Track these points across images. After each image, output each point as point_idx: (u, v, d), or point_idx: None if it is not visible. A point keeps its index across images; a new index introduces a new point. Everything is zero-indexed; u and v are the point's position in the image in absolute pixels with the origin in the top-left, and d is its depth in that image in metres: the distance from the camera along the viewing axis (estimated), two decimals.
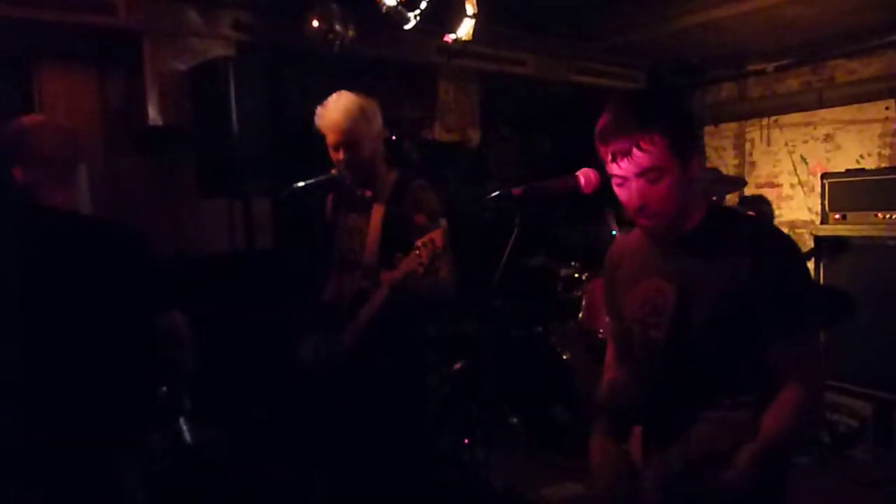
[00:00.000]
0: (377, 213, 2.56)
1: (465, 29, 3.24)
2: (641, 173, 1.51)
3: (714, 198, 4.31)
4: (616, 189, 1.59)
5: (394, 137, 4.09)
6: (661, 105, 1.56)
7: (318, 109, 2.51)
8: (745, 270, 1.49)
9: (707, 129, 5.84)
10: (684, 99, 1.63)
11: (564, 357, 4.15)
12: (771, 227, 1.63)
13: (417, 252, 2.24)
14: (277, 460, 3.51)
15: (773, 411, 1.49)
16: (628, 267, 1.77)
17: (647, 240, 1.72)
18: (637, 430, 1.67)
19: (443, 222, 2.37)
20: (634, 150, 1.49)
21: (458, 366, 4.05)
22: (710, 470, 1.45)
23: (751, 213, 4.54)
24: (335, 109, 2.48)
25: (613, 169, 1.55)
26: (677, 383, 1.57)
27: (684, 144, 1.53)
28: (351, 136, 2.47)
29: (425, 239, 2.25)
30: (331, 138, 2.50)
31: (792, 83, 5.32)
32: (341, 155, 2.49)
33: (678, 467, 1.51)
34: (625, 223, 4.41)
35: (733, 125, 5.74)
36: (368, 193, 2.61)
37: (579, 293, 4.54)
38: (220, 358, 3.83)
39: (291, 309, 3.13)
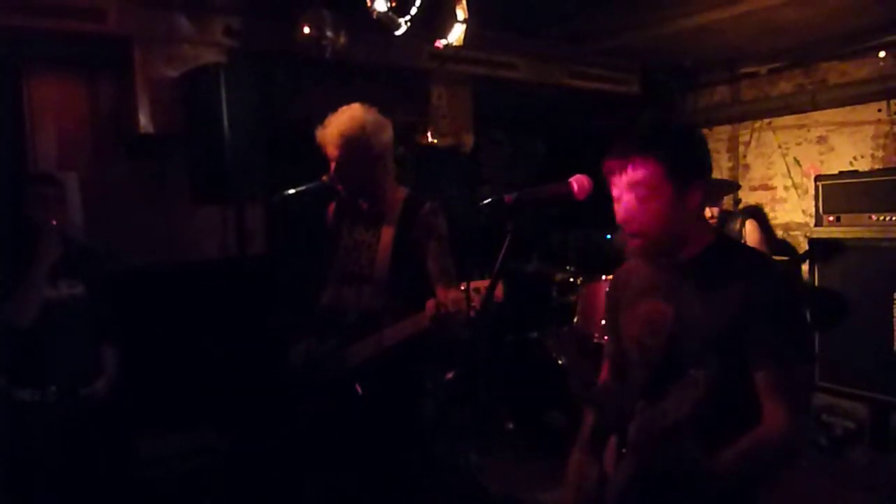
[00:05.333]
0: (387, 233, 2.55)
1: (457, 34, 3.23)
2: (631, 188, 1.57)
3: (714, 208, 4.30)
4: (615, 208, 1.64)
5: None
6: (665, 133, 1.63)
7: (326, 119, 2.51)
8: (737, 302, 1.53)
9: (709, 152, 5.83)
10: (696, 133, 1.68)
11: (560, 362, 4.14)
12: (765, 259, 1.67)
13: (468, 295, 2.21)
14: (271, 465, 3.49)
15: (754, 436, 1.50)
16: (632, 288, 1.80)
17: (650, 263, 1.75)
18: (612, 440, 1.68)
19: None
20: (628, 167, 1.57)
21: (449, 375, 4.03)
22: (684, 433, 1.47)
23: (752, 220, 4.53)
24: (336, 124, 2.48)
25: (612, 189, 1.63)
26: (663, 395, 1.57)
27: (684, 173, 1.58)
28: (344, 154, 2.47)
29: (478, 285, 2.21)
30: (327, 151, 2.52)
31: (785, 86, 5.33)
32: (333, 168, 2.49)
33: (651, 451, 1.52)
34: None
35: (727, 128, 5.74)
36: (375, 211, 2.60)
37: (574, 298, 4.53)
38: (214, 363, 3.82)
39: (285, 312, 3.12)
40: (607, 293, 1.96)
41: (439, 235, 2.53)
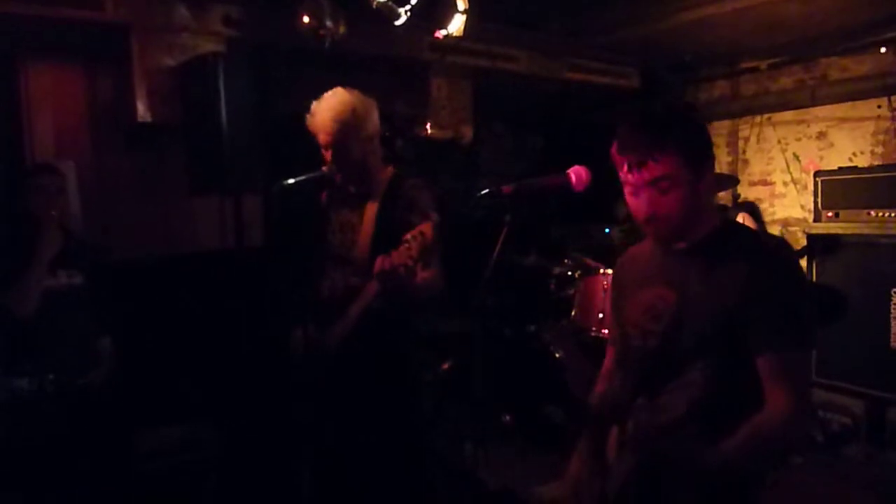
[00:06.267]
0: (371, 210, 2.54)
1: (457, 25, 3.21)
2: (653, 182, 1.57)
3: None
4: (629, 198, 1.64)
5: (386, 134, 4.07)
6: (677, 122, 1.62)
7: (312, 107, 2.49)
8: (740, 286, 1.53)
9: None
10: (698, 118, 1.71)
11: (557, 355, 4.14)
12: (769, 243, 1.66)
13: (407, 245, 2.22)
14: (268, 458, 3.49)
15: (756, 421, 1.51)
16: (635, 274, 1.81)
17: (655, 249, 1.76)
18: (613, 431, 1.68)
19: (433, 216, 2.35)
20: (649, 161, 1.56)
21: (445, 366, 4.03)
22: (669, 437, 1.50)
23: (744, 214, 4.53)
24: (326, 109, 2.46)
25: (627, 178, 1.61)
26: (662, 388, 1.57)
27: (698, 160, 1.59)
28: (340, 138, 2.45)
29: (415, 232, 2.23)
30: (320, 139, 2.49)
31: (785, 81, 5.32)
32: (330, 155, 2.47)
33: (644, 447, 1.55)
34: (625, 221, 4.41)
35: (726, 123, 5.73)
36: (362, 191, 2.59)
37: (572, 291, 4.52)
38: (210, 355, 3.81)
39: (283, 305, 3.11)
40: (612, 279, 1.96)
41: (423, 211, 2.49)
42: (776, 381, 1.50)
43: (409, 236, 2.22)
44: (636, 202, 1.62)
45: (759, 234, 1.84)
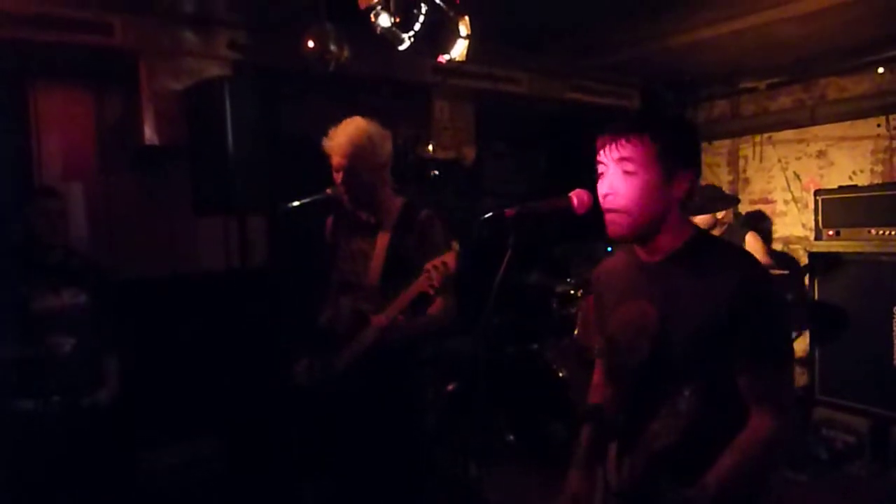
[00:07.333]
0: (383, 239, 2.60)
1: (459, 49, 3.25)
2: (619, 161, 1.57)
3: (716, 215, 4.32)
4: (598, 181, 1.64)
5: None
6: (663, 118, 1.64)
7: (330, 131, 2.58)
8: (722, 300, 1.51)
9: (701, 146, 5.88)
10: (690, 128, 1.69)
11: (560, 374, 4.14)
12: (748, 257, 1.65)
13: (428, 275, 2.30)
14: (274, 478, 3.49)
15: (740, 441, 1.51)
16: (614, 287, 1.79)
17: (630, 261, 1.74)
18: (612, 446, 1.69)
19: (455, 245, 2.40)
20: (621, 139, 1.57)
21: (450, 387, 4.04)
22: (667, 464, 1.49)
23: (752, 232, 4.53)
24: (342, 134, 2.54)
25: (599, 156, 1.62)
26: (654, 402, 1.57)
27: (674, 157, 1.57)
28: (352, 162, 2.52)
29: (437, 262, 2.30)
30: (333, 161, 2.57)
31: (784, 100, 5.36)
32: (340, 178, 2.53)
33: (638, 472, 1.55)
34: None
35: (727, 142, 5.78)
36: (373, 219, 2.64)
37: (575, 310, 4.54)
38: (215, 373, 3.83)
39: (288, 328, 3.14)
40: (592, 291, 1.93)
41: (433, 243, 2.55)
42: (760, 399, 1.51)
43: (430, 266, 2.30)
44: (600, 181, 1.62)
45: (733, 243, 1.81)
